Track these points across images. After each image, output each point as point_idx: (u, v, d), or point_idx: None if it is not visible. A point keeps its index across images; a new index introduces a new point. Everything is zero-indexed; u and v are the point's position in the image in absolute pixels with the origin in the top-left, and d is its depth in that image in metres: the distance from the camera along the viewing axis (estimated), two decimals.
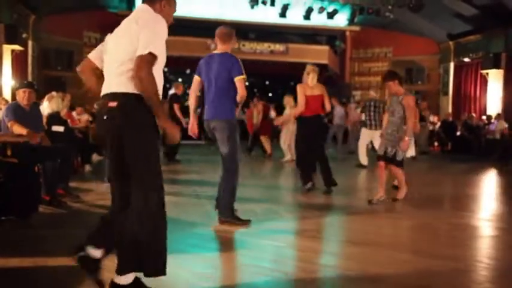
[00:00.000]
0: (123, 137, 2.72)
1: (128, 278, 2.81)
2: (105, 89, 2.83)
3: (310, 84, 6.80)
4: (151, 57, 2.64)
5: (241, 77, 4.66)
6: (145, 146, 2.75)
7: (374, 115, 9.70)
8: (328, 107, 6.96)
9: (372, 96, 10.49)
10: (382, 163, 6.10)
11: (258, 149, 13.22)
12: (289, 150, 11.08)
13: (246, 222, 4.80)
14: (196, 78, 4.92)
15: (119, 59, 2.76)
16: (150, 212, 2.75)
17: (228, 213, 4.79)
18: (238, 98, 4.69)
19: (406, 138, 5.83)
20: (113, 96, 2.74)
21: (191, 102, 4.97)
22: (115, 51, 2.81)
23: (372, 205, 5.93)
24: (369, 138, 10.02)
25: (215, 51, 4.89)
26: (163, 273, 2.83)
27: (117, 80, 2.75)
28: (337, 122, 13.57)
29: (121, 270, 2.79)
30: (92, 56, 3.07)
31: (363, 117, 10.32)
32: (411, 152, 7.78)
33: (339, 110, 13.67)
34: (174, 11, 3.07)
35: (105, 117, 2.76)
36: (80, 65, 3.14)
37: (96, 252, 2.88)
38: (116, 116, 2.71)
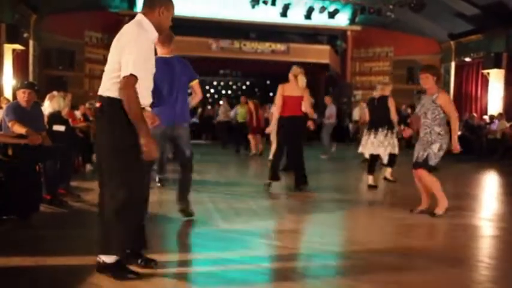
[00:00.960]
0: (100, 134, 3.14)
1: (110, 259, 3.16)
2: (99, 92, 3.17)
3: (300, 87, 6.84)
4: (133, 79, 2.95)
5: (197, 80, 4.88)
6: (116, 145, 3.05)
7: None
8: (306, 108, 6.98)
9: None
10: (420, 170, 5.38)
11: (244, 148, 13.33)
12: None
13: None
14: None
15: (108, 66, 3.10)
16: (113, 208, 3.07)
17: (186, 204, 4.98)
18: (196, 101, 5.02)
19: (455, 137, 5.24)
20: (99, 98, 3.12)
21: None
22: (109, 59, 3.12)
23: (412, 213, 5.42)
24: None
25: (163, 55, 4.74)
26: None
27: (104, 84, 3.10)
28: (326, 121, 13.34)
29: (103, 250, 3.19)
30: None
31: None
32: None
33: (329, 109, 13.42)
34: (172, 13, 3.25)
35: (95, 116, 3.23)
36: None
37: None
38: (98, 116, 3.12)
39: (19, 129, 5.22)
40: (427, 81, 5.39)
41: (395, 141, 7.63)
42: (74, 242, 4.07)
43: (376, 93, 7.83)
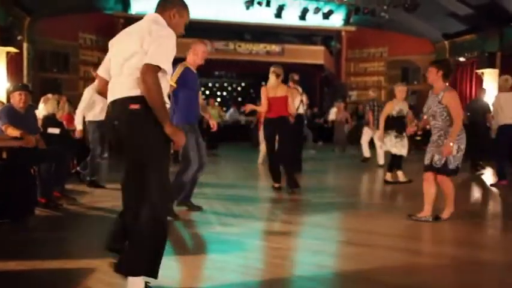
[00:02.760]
0: (140, 137, 2.79)
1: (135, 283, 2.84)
2: (120, 93, 2.82)
3: (272, 86, 6.91)
4: (157, 69, 2.71)
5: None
6: (158, 144, 2.81)
7: (378, 115, 9.92)
8: (291, 109, 7.05)
9: (372, 96, 10.85)
10: (429, 174, 5.10)
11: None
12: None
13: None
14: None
15: (131, 65, 2.80)
16: (139, 228, 2.77)
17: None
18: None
19: (451, 144, 4.79)
20: (131, 100, 2.77)
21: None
22: (124, 58, 2.84)
23: (410, 219, 5.14)
24: (370, 135, 10.63)
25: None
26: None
27: (127, 83, 2.80)
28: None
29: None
30: (101, 71, 3.11)
31: (365, 117, 10.77)
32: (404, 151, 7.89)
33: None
34: (186, 21, 3.09)
35: (124, 119, 2.78)
36: (97, 87, 3.24)
37: None
38: (135, 118, 2.76)
39: (13, 132, 5.19)
40: (429, 75, 5.01)
41: (406, 143, 7.91)
42: (70, 245, 4.06)
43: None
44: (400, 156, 7.94)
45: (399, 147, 7.81)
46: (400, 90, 7.85)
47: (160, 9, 3.01)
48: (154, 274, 2.87)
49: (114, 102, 2.84)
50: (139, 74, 2.73)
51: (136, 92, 2.77)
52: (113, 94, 2.86)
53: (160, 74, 2.74)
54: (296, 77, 8.88)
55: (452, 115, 4.85)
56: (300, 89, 8.85)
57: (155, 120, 2.73)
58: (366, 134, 10.84)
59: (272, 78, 6.94)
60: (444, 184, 5.08)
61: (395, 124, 7.74)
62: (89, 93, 6.95)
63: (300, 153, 9.17)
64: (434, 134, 5.04)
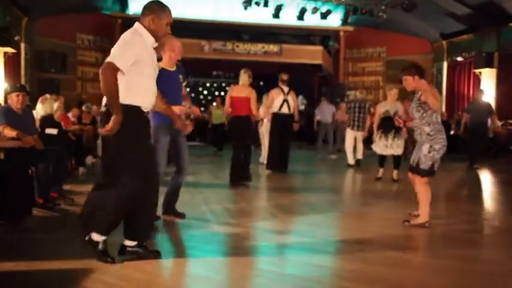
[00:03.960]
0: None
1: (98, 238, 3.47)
2: None
3: (240, 85, 7.34)
4: (113, 65, 3.21)
5: None
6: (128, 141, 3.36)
7: (358, 116, 10.14)
8: (252, 110, 7.29)
9: (357, 98, 11.01)
10: (412, 175, 5.00)
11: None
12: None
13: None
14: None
15: None
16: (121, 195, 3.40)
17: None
18: None
19: (401, 114, 4.99)
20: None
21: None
22: None
23: (406, 224, 4.91)
24: (353, 138, 10.41)
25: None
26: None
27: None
28: (326, 121, 13.52)
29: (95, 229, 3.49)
30: None
31: (348, 117, 10.72)
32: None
33: (326, 109, 13.65)
34: (167, 21, 3.43)
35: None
36: None
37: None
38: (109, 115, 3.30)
39: (10, 133, 5.17)
40: (407, 83, 4.87)
41: (401, 143, 7.97)
42: (67, 246, 4.05)
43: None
44: (399, 156, 8.02)
45: (395, 147, 7.90)
46: (392, 93, 7.95)
47: (141, 17, 3.40)
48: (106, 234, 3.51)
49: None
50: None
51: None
52: None
53: (119, 73, 3.27)
54: (284, 77, 8.88)
55: (431, 103, 4.71)
56: (285, 89, 8.82)
57: (128, 118, 3.27)
58: (348, 136, 10.45)
59: (241, 77, 7.33)
60: (416, 185, 4.92)
61: (382, 125, 7.83)
62: None
63: (287, 153, 9.10)
64: (415, 134, 4.96)
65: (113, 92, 3.24)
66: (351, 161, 10.46)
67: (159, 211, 4.75)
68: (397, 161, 8.08)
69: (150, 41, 3.40)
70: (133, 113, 3.36)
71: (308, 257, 3.91)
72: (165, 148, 4.77)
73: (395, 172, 8.11)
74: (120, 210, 3.42)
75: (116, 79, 3.25)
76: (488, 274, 3.57)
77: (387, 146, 7.91)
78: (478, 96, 11.36)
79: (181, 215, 5.01)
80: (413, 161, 4.91)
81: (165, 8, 3.43)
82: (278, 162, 8.98)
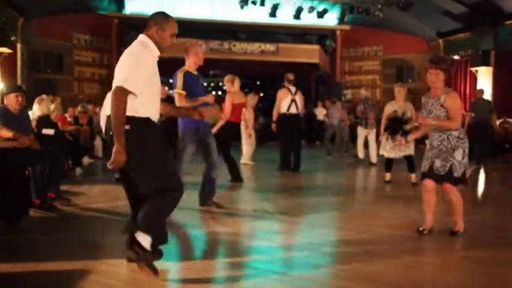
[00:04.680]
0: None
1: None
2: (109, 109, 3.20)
3: (237, 92, 7.73)
4: (120, 89, 3.05)
5: (176, 90, 5.12)
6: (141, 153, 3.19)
7: (368, 114, 10.17)
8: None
9: (364, 95, 10.87)
10: (426, 182, 4.55)
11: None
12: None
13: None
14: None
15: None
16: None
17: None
18: None
19: (431, 122, 4.34)
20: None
21: None
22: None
23: (421, 235, 4.58)
24: (364, 137, 10.55)
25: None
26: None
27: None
28: (333, 122, 13.42)
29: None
30: None
31: (357, 116, 10.75)
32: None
33: (332, 111, 13.58)
34: (172, 32, 3.33)
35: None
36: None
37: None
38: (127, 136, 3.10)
39: (6, 133, 5.15)
40: (437, 78, 4.36)
41: (411, 142, 7.37)
42: (64, 247, 4.04)
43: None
44: (411, 156, 7.55)
45: (402, 149, 7.40)
46: (398, 91, 7.57)
47: (146, 29, 3.31)
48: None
49: (108, 117, 3.18)
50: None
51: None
52: (106, 109, 3.25)
53: (132, 96, 3.10)
54: (291, 77, 8.88)
55: (451, 115, 4.33)
56: (292, 89, 8.82)
57: (143, 136, 3.16)
58: (360, 134, 10.67)
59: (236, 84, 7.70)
60: (451, 194, 4.49)
61: (389, 126, 7.45)
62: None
63: (298, 152, 9.11)
64: (435, 139, 4.48)
65: (121, 120, 3.06)
66: (360, 155, 10.89)
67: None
68: (410, 162, 7.58)
69: (156, 53, 3.30)
70: (145, 125, 3.20)
71: (307, 257, 3.91)
72: (191, 152, 5.31)
73: (412, 176, 7.56)
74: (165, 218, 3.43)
75: (126, 105, 3.09)
76: (499, 276, 3.58)
77: (395, 149, 7.43)
78: (479, 95, 11.41)
79: (221, 206, 5.56)
80: (441, 170, 4.42)
81: (168, 19, 3.33)
82: (290, 163, 9.01)
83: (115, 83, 3.09)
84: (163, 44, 3.30)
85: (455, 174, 4.38)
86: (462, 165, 4.39)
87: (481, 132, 10.60)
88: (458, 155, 4.36)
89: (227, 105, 7.58)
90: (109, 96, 3.17)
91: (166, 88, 9.11)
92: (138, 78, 3.11)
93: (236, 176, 7.66)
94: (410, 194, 6.86)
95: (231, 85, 7.66)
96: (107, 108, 3.23)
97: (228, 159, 7.65)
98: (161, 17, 3.32)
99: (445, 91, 4.39)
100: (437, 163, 4.42)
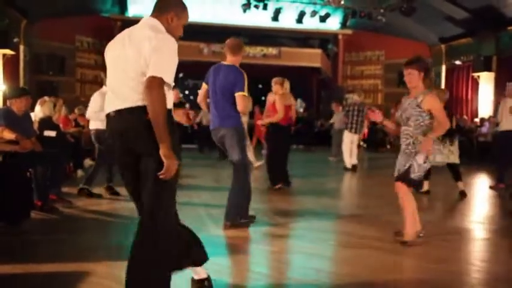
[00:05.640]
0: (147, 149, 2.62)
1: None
2: (119, 104, 2.68)
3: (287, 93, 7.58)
4: (162, 82, 2.56)
5: (241, 93, 4.71)
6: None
7: (356, 119, 10.29)
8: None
9: (355, 100, 10.93)
10: (398, 184, 4.42)
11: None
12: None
13: (251, 220, 5.06)
14: (204, 86, 5.00)
15: (129, 73, 2.66)
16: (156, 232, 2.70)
17: (237, 216, 4.89)
18: (240, 111, 4.81)
19: (430, 137, 4.15)
20: (130, 110, 2.63)
21: (204, 109, 5.35)
22: (124, 65, 2.69)
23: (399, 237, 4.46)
24: (350, 142, 10.53)
25: (223, 62, 4.98)
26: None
27: (132, 93, 2.64)
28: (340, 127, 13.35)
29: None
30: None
31: (346, 120, 10.78)
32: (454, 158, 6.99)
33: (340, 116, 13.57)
34: (185, 22, 2.92)
35: (142, 129, 2.61)
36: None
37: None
38: (141, 128, 2.60)
39: (9, 135, 5.16)
40: (411, 78, 4.32)
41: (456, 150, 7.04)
42: (65, 248, 4.04)
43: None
44: (453, 165, 7.07)
45: (447, 154, 6.70)
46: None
47: (157, 13, 2.83)
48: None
49: (120, 112, 2.67)
50: (141, 83, 2.59)
51: (142, 102, 2.61)
52: (116, 103, 2.70)
53: (165, 88, 2.59)
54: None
55: (437, 118, 4.24)
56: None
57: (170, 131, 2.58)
58: (346, 139, 10.58)
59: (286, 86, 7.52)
60: (401, 195, 4.38)
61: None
62: (96, 100, 5.82)
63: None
64: (403, 142, 4.40)
65: (164, 117, 2.54)
66: (348, 164, 10.56)
67: None
68: (455, 170, 7.11)
69: None
70: (170, 117, 2.69)
71: (307, 261, 3.91)
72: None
73: (460, 184, 7.14)
74: None
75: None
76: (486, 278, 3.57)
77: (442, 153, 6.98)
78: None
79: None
80: (401, 169, 4.36)
81: (185, 8, 2.91)
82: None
83: (155, 73, 2.54)
84: (175, 33, 2.85)
85: (412, 175, 4.29)
86: (422, 168, 4.30)
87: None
88: (420, 158, 4.27)
89: (279, 107, 7.31)
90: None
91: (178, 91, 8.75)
92: (174, 70, 2.68)
93: (286, 181, 7.55)
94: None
95: (280, 87, 7.46)
96: (120, 103, 2.68)
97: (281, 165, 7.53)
98: (179, 3, 2.89)
99: (424, 92, 4.29)
100: (402, 163, 4.37)
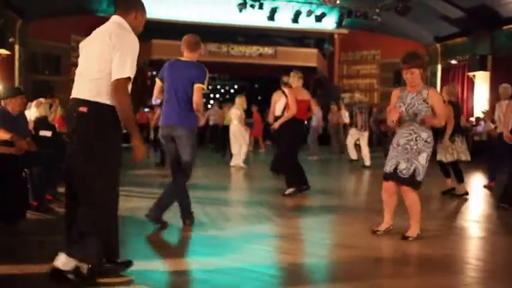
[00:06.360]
0: (88, 140, 2.97)
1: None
2: (76, 93, 3.06)
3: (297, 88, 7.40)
4: (127, 81, 2.93)
5: (200, 85, 4.64)
6: (108, 150, 3.00)
7: (364, 117, 10.81)
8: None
9: (359, 99, 11.52)
10: (390, 183, 4.45)
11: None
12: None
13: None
14: (158, 82, 4.88)
15: (91, 68, 3.02)
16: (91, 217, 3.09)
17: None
18: (193, 106, 4.65)
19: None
20: (84, 103, 2.98)
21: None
22: (87, 60, 3.08)
23: (377, 235, 4.60)
24: (356, 137, 11.22)
25: (181, 58, 4.87)
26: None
27: (88, 87, 2.99)
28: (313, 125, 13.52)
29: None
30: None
31: (349, 119, 11.34)
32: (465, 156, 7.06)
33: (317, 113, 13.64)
34: (144, 20, 3.24)
35: (74, 119, 3.02)
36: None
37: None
38: (84, 121, 2.96)
39: (4, 135, 5.14)
40: (414, 77, 4.33)
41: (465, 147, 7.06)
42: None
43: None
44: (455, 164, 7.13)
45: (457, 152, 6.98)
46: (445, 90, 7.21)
47: (122, 11, 3.13)
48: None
49: (71, 100, 3.08)
50: (96, 79, 2.95)
51: (88, 96, 2.97)
52: (72, 93, 3.11)
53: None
54: (286, 80, 8.82)
55: (438, 114, 4.28)
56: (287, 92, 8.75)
57: (102, 125, 2.95)
58: (352, 135, 11.33)
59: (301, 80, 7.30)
60: (410, 198, 4.40)
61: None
62: None
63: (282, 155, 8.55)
64: (403, 137, 4.35)
65: (131, 114, 3.01)
66: (353, 156, 11.46)
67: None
68: (456, 169, 7.11)
69: None
70: (115, 112, 3.01)
71: (304, 260, 3.91)
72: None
73: (461, 185, 7.11)
74: None
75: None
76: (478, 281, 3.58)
77: (453, 154, 6.95)
78: None
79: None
80: (405, 173, 4.33)
81: (144, 6, 3.24)
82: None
83: (119, 75, 2.91)
84: (138, 28, 3.18)
85: (418, 178, 4.31)
86: (424, 169, 4.33)
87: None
88: (422, 159, 4.29)
89: (291, 100, 6.95)
90: (76, 83, 3.11)
91: None
92: (135, 61, 3.01)
93: (304, 183, 7.00)
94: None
95: (294, 80, 7.21)
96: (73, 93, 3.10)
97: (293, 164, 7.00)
98: (141, 2, 3.23)
99: (425, 86, 4.37)
100: (402, 165, 4.33)
